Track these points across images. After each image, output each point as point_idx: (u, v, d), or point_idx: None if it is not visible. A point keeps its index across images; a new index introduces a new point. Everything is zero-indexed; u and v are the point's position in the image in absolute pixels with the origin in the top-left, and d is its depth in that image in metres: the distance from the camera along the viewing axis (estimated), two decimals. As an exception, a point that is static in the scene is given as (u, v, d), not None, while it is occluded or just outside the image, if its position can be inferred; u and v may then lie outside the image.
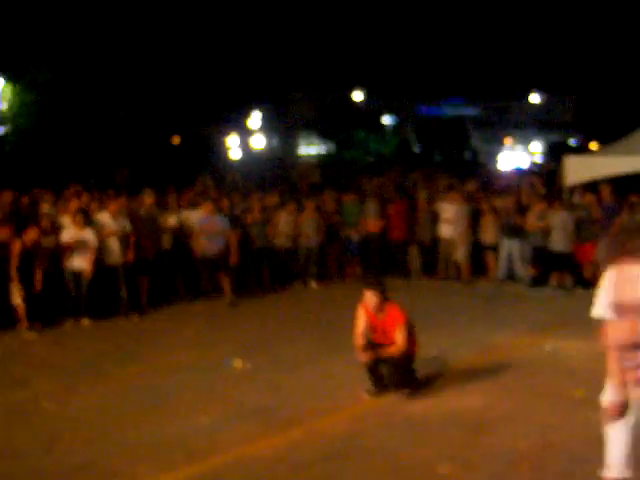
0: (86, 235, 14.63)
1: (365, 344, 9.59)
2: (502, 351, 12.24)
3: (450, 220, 19.46)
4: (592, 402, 9.33)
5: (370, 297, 9.58)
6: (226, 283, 16.78)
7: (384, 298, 9.67)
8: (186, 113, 42.28)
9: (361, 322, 9.82)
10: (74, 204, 15.75)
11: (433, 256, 20.14)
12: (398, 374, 9.64)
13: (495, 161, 61.92)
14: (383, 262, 19.56)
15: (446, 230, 19.63)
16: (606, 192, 18.32)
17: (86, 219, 14.82)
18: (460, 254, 19.52)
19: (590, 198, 18.55)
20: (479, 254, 19.70)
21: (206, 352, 12.22)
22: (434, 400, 9.55)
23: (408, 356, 9.71)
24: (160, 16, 41.00)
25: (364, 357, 9.51)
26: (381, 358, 9.58)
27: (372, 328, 9.74)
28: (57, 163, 29.09)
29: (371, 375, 9.71)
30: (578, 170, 19.85)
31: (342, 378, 10.41)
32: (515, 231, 18.82)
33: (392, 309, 9.69)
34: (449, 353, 11.85)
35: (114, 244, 15.11)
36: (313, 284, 19.01)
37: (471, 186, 21.88)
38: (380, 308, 9.64)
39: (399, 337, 9.58)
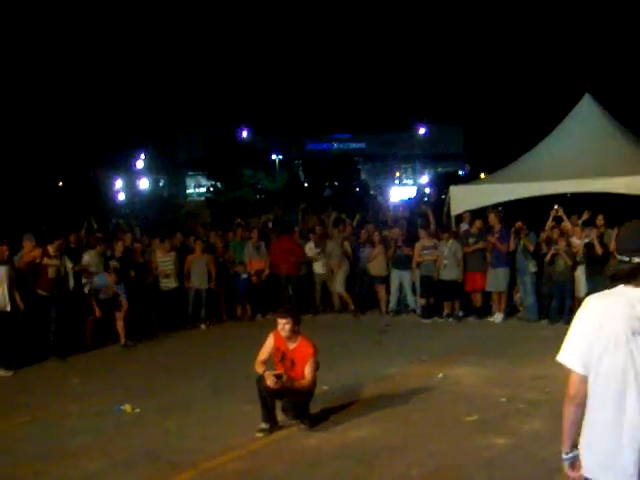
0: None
1: (274, 374, 9.51)
2: (395, 381, 12.25)
3: (327, 254, 19.66)
4: (482, 426, 9.45)
5: (283, 325, 9.57)
6: (120, 325, 16.47)
7: (296, 328, 9.67)
8: (71, 156, 41.67)
9: (266, 350, 9.83)
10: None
11: (312, 291, 20.22)
12: (297, 407, 9.57)
13: (385, 194, 62.56)
14: (269, 299, 19.40)
15: (317, 265, 19.78)
16: (493, 219, 18.60)
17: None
18: (340, 286, 19.65)
19: (478, 225, 18.80)
20: (370, 286, 19.82)
21: (94, 399, 11.91)
22: (328, 433, 9.48)
23: (309, 391, 9.66)
24: (32, 65, 40.41)
25: (270, 381, 9.38)
26: (284, 389, 9.47)
27: (280, 357, 9.68)
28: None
29: (264, 409, 9.57)
30: (464, 199, 20.21)
31: (234, 418, 10.27)
32: (404, 262, 18.96)
33: (303, 341, 9.71)
34: (343, 386, 11.80)
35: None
36: (203, 326, 18.77)
37: (357, 220, 22.02)
38: (292, 338, 9.62)
39: (308, 372, 9.60)
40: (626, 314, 4.06)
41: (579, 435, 4.44)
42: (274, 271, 19.87)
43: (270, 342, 9.89)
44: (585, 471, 4.30)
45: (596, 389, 4.24)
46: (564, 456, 4.58)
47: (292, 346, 9.70)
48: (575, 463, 4.48)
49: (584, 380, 4.32)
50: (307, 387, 9.60)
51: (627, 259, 4.19)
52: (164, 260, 18.51)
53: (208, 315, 19.04)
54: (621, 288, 4.19)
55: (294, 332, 9.69)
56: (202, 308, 18.89)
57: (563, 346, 4.55)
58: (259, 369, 9.68)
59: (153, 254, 18.71)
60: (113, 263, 17.09)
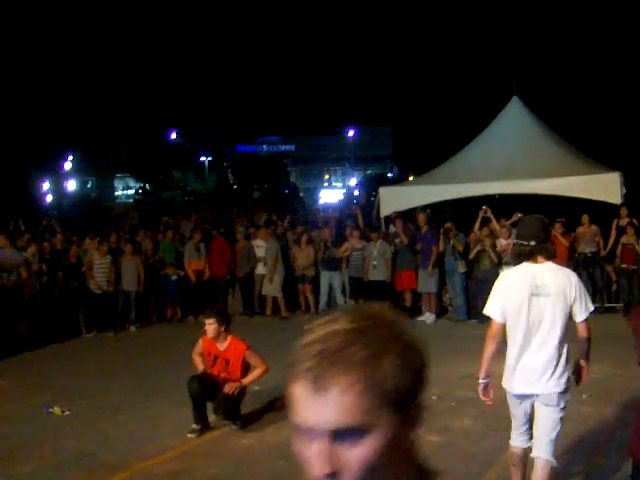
0: None
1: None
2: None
3: (261, 256, 19.63)
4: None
5: (208, 325, 9.56)
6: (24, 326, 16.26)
7: (225, 327, 9.66)
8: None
9: (198, 347, 9.99)
10: None
11: (251, 292, 20.18)
12: (229, 408, 9.56)
13: (314, 196, 62.68)
14: (204, 300, 19.32)
15: (259, 266, 19.76)
16: (422, 220, 18.76)
17: None
18: (271, 289, 19.62)
19: (399, 225, 18.93)
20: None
21: (22, 401, 11.73)
22: (261, 433, 9.48)
23: (241, 391, 9.65)
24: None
25: (229, 389, 9.49)
26: (214, 391, 9.49)
27: (214, 359, 9.68)
28: None
29: (196, 410, 9.54)
30: (393, 200, 20.33)
31: (165, 419, 10.22)
32: (334, 262, 19.03)
33: (234, 340, 9.73)
34: (273, 387, 11.78)
35: None
36: (132, 328, 18.61)
37: (287, 221, 22.01)
38: (220, 338, 9.62)
39: (256, 360, 9.76)
40: (528, 282, 6.16)
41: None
42: (213, 273, 19.86)
43: (200, 347, 9.90)
44: (505, 385, 6.50)
45: (510, 332, 6.38)
46: (480, 381, 6.72)
47: (223, 346, 9.70)
48: (487, 387, 6.69)
49: (501, 326, 6.47)
50: (262, 374, 9.77)
51: (526, 243, 6.22)
52: (101, 262, 18.31)
53: (137, 317, 18.90)
54: (525, 264, 6.25)
55: (223, 332, 9.68)
56: (132, 310, 18.72)
57: (488, 302, 6.61)
58: (195, 359, 9.86)
59: (90, 256, 18.51)
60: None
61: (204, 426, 9.59)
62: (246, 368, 9.81)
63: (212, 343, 9.74)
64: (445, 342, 15.41)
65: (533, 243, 6.19)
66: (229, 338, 9.77)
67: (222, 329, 9.67)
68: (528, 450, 6.47)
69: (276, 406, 10.66)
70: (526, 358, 6.31)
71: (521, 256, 6.31)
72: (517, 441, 6.55)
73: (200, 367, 9.75)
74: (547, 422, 6.24)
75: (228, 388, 9.42)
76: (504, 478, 7.60)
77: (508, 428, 9.00)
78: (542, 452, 6.25)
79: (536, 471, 6.29)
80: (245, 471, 8.18)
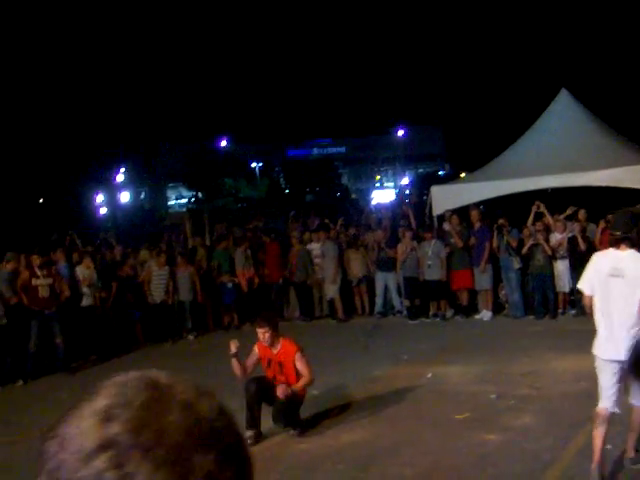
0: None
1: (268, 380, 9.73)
2: (384, 383, 12.25)
3: (319, 260, 19.63)
4: (474, 423, 9.46)
5: (262, 334, 9.64)
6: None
7: (276, 334, 9.74)
8: (51, 172, 41.52)
9: (249, 359, 9.99)
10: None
11: (310, 296, 20.20)
12: (288, 415, 9.59)
13: (367, 197, 62.53)
14: (259, 307, 19.35)
15: (317, 269, 19.77)
16: (474, 217, 18.66)
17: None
18: (332, 292, 19.59)
19: (454, 223, 18.86)
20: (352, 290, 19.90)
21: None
22: (320, 438, 9.47)
23: (299, 397, 9.69)
24: (10, 80, 40.24)
25: (280, 392, 9.49)
26: (271, 395, 9.53)
27: (268, 362, 9.75)
28: None
29: (250, 415, 9.54)
30: (445, 198, 20.23)
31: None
32: (388, 264, 18.98)
33: (286, 343, 9.82)
34: (331, 391, 11.79)
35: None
36: (190, 337, 18.73)
37: (340, 223, 21.98)
38: (273, 342, 9.70)
39: (302, 367, 9.72)
40: (609, 265, 7.40)
41: None
42: (266, 279, 19.97)
43: (255, 352, 9.97)
44: (595, 351, 7.50)
45: (596, 304, 7.46)
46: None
47: (276, 349, 9.76)
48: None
49: (590, 298, 7.55)
50: (311, 381, 9.80)
51: (614, 233, 7.65)
52: (159, 274, 18.44)
53: (195, 326, 19.01)
54: (611, 250, 7.57)
55: (275, 336, 9.75)
56: (188, 320, 18.83)
57: (581, 277, 7.84)
58: (236, 370, 9.85)
59: (148, 267, 18.66)
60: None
61: (258, 432, 9.58)
62: None
63: (266, 348, 9.80)
64: (503, 339, 15.32)
65: (619, 233, 7.52)
66: (281, 341, 9.84)
67: (275, 334, 9.76)
68: (612, 415, 7.28)
69: (335, 411, 10.67)
70: (610, 328, 7.30)
71: (610, 243, 7.75)
72: (604, 403, 7.26)
73: (238, 372, 9.81)
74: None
75: (280, 392, 9.45)
76: (566, 477, 7.54)
77: (569, 425, 8.95)
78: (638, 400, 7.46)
79: (635, 415, 7.53)
80: (308, 476, 8.19)
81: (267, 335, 9.65)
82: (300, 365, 9.72)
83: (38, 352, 15.37)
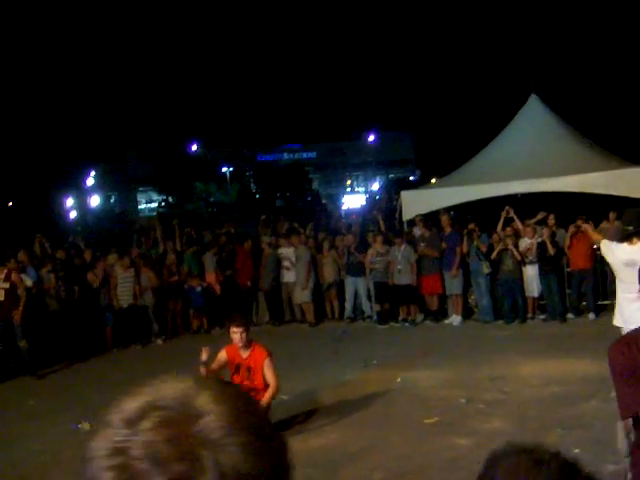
0: None
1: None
2: (354, 387, 12.24)
3: (289, 264, 19.60)
4: (443, 428, 9.48)
5: (237, 333, 9.55)
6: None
7: (248, 336, 9.67)
8: (21, 175, 41.30)
9: (216, 362, 9.82)
10: None
11: (279, 301, 20.16)
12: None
13: (337, 202, 62.65)
14: (229, 311, 19.27)
15: (287, 274, 19.73)
16: (445, 222, 18.70)
17: None
18: (303, 296, 19.56)
19: (421, 227, 18.99)
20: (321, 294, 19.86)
21: (52, 418, 11.77)
22: (289, 442, 9.41)
23: (266, 407, 9.63)
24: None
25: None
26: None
27: (236, 368, 9.68)
28: None
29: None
30: (415, 203, 20.26)
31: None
32: (358, 268, 18.98)
33: (257, 348, 9.75)
34: (303, 395, 11.77)
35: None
36: (159, 341, 18.61)
37: (310, 228, 21.96)
38: (245, 345, 9.62)
39: (270, 376, 9.66)
40: (623, 256, 8.74)
41: None
42: (239, 281, 19.94)
43: (222, 356, 9.89)
44: (617, 323, 8.96)
45: (617, 285, 9.23)
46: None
47: (246, 354, 9.70)
48: None
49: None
50: (277, 391, 9.74)
51: (626, 228, 8.82)
52: (125, 276, 18.34)
53: (163, 329, 18.94)
54: (625, 244, 8.77)
55: (247, 339, 9.70)
56: (153, 323, 18.75)
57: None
58: (202, 369, 9.65)
59: (113, 271, 18.55)
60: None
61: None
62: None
63: (236, 351, 9.74)
64: (472, 344, 15.36)
65: (631, 228, 8.80)
66: (252, 346, 9.79)
67: (247, 336, 9.70)
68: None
69: (304, 415, 10.65)
70: (632, 306, 8.52)
71: (623, 237, 8.91)
72: None
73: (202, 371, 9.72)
74: None
75: None
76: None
77: (538, 429, 8.98)
78: None
79: None
80: (275, 481, 8.15)
81: (243, 335, 9.59)
82: (268, 372, 9.66)
83: (2, 356, 15.28)
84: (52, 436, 10.71)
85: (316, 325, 19.26)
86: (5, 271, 15.67)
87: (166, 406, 1.01)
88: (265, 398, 9.53)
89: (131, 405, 1.05)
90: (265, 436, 1.04)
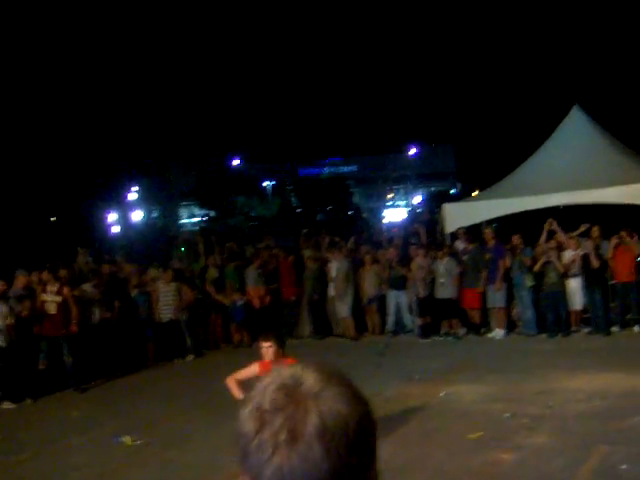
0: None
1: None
2: (396, 402, 12.13)
3: (332, 277, 19.55)
4: (487, 443, 9.35)
5: (265, 348, 9.33)
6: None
7: (281, 352, 9.46)
8: (64, 191, 41.63)
9: (246, 372, 9.61)
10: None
11: (323, 315, 20.11)
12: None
13: (378, 216, 62.46)
14: (271, 325, 19.21)
15: (331, 288, 19.68)
16: (488, 235, 18.58)
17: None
18: (343, 311, 19.49)
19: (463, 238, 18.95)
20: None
21: (94, 432, 11.80)
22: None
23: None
24: (20, 97, 40.34)
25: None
26: None
27: None
28: None
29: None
30: (457, 216, 20.16)
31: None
32: (400, 282, 18.89)
33: (290, 362, 9.47)
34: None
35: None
36: (189, 357, 18.56)
37: (352, 242, 21.90)
38: (278, 362, 9.42)
39: None
40: None
41: None
42: (283, 295, 19.97)
43: (254, 369, 9.68)
44: None
45: None
46: None
47: None
48: None
49: None
50: None
51: None
52: (166, 290, 18.39)
53: (204, 344, 19.00)
54: None
55: (279, 355, 9.48)
56: (187, 338, 18.70)
57: None
58: (230, 384, 9.52)
59: (155, 285, 18.60)
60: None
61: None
62: None
63: (268, 367, 9.56)
64: (515, 358, 15.21)
65: None
66: (285, 360, 9.57)
67: (280, 352, 9.48)
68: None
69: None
70: None
71: None
72: None
73: (238, 395, 9.54)
74: None
75: None
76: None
77: (583, 445, 8.83)
78: None
79: None
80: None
81: (271, 350, 9.32)
82: None
83: (47, 370, 15.37)
84: (95, 449, 10.74)
85: (358, 339, 19.18)
86: (57, 284, 15.82)
87: (284, 378, 1.46)
88: None
89: (262, 382, 1.51)
90: (354, 390, 1.48)
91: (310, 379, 1.43)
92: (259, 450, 1.39)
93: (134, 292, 18.35)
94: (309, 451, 1.32)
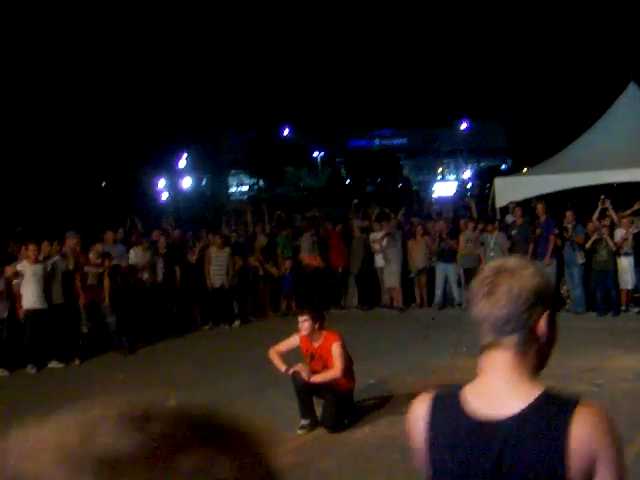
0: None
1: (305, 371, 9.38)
2: (443, 373, 12.07)
3: (379, 248, 19.49)
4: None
5: (302, 322, 9.34)
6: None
7: (320, 324, 9.44)
8: (114, 157, 41.88)
9: (286, 344, 9.66)
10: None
11: (370, 285, 20.09)
12: (334, 422, 9.41)
13: (428, 189, 62.21)
14: (320, 294, 19.23)
15: (378, 259, 19.64)
16: (540, 210, 18.39)
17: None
18: (392, 281, 19.44)
19: (518, 214, 18.72)
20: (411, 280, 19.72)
21: (140, 394, 11.80)
22: (373, 427, 9.38)
23: (347, 393, 9.52)
24: (72, 68, 40.55)
25: (305, 374, 9.29)
26: (318, 388, 9.36)
27: (311, 357, 9.52)
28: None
29: (302, 405, 9.44)
30: (509, 190, 19.99)
31: (280, 412, 10.14)
32: (449, 254, 18.81)
33: (327, 335, 9.47)
34: (388, 380, 11.68)
35: (30, 290, 14.74)
36: (236, 323, 18.60)
37: (401, 213, 21.82)
38: (315, 334, 9.40)
39: (335, 358, 9.33)
40: None
41: None
42: (332, 264, 19.98)
43: (294, 341, 9.68)
44: None
45: None
46: None
47: (317, 344, 9.49)
48: None
49: None
50: (337, 375, 9.36)
51: None
52: (218, 256, 18.43)
53: (252, 311, 19.07)
54: None
55: (317, 329, 9.45)
56: (234, 303, 18.80)
57: None
58: (272, 356, 9.60)
59: (207, 251, 18.67)
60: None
61: (313, 420, 9.47)
62: (349, 360, 9.61)
63: (307, 340, 9.52)
64: (563, 335, 14.86)
65: None
66: (323, 334, 9.51)
67: (316, 326, 9.41)
68: None
69: (391, 400, 10.55)
70: None
71: None
72: None
73: (281, 368, 9.54)
74: None
75: (304, 373, 9.33)
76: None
77: (630, 425, 8.72)
78: None
79: None
80: (360, 464, 8.10)
81: (306, 324, 9.28)
82: (335, 355, 9.32)
83: (92, 333, 15.56)
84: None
85: (404, 311, 19.15)
86: (99, 258, 16.01)
87: (497, 262, 2.48)
88: (319, 377, 9.39)
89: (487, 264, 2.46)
90: (542, 272, 2.44)
91: (511, 262, 2.41)
92: (474, 297, 2.38)
93: (192, 258, 18.44)
94: (497, 301, 2.31)
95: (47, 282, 14.91)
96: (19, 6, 36.68)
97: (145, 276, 17.27)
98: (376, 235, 19.74)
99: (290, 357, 9.91)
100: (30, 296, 14.63)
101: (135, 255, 17.33)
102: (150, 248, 17.83)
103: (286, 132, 64.54)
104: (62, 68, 39.04)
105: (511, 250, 18.14)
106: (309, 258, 19.79)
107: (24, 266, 14.78)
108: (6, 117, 32.58)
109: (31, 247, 14.85)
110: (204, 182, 56.79)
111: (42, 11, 38.46)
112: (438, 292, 19.17)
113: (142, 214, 23.70)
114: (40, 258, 14.98)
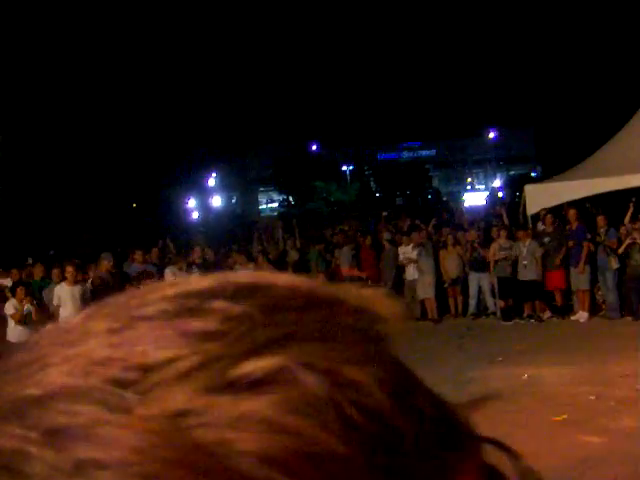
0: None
1: None
2: (479, 384, 12.01)
3: (412, 260, 19.42)
4: (572, 425, 9.20)
5: None
6: None
7: None
8: (144, 177, 42.19)
9: None
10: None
11: (400, 297, 20.03)
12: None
13: (458, 200, 62.21)
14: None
15: (409, 270, 19.56)
16: (572, 216, 18.28)
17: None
18: (426, 292, 19.36)
19: (549, 221, 18.62)
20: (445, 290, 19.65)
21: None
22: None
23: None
24: (103, 89, 40.94)
25: None
26: None
27: None
28: (16, 235, 28.62)
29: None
30: (540, 197, 19.89)
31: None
32: (481, 264, 18.73)
33: None
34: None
35: (67, 312, 14.80)
36: None
37: (432, 224, 21.78)
38: None
39: None
40: None
41: None
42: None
43: None
44: None
45: None
46: None
47: None
48: None
49: None
50: None
51: None
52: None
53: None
54: None
55: None
56: None
57: None
58: None
59: (235, 269, 18.76)
60: None
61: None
62: None
63: None
64: (599, 341, 14.95)
65: None
66: None
67: None
68: None
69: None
70: None
71: None
72: None
73: None
74: None
75: None
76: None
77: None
78: None
79: None
80: None
81: None
82: None
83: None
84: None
85: (439, 322, 19.07)
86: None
87: None
88: None
89: None
90: None
91: None
92: None
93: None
94: None
95: (85, 303, 14.98)
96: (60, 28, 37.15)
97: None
98: (406, 248, 19.69)
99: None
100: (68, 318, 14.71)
101: (171, 274, 17.42)
102: (187, 267, 17.93)
103: (314, 147, 64.72)
104: (98, 93, 39.46)
105: (544, 257, 18.06)
106: (349, 270, 19.81)
107: (62, 288, 14.88)
108: (40, 141, 32.94)
109: (69, 269, 14.95)
110: (234, 200, 57.09)
111: (75, 36, 38.92)
112: (472, 302, 19.08)
113: (173, 234, 23.82)
114: (78, 279, 15.10)
